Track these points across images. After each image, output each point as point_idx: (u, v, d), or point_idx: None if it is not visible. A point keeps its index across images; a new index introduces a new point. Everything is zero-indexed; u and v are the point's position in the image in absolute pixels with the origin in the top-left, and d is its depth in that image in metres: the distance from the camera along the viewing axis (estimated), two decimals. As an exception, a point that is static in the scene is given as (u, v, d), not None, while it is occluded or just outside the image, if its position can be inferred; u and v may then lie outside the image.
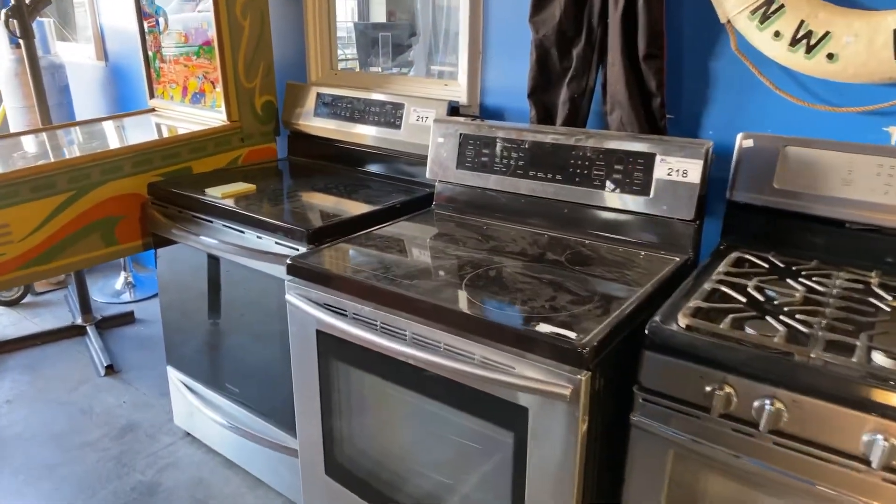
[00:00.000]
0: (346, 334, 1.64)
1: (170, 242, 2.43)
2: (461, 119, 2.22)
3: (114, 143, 2.77)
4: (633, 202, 1.83)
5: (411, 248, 1.88)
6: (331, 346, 1.74)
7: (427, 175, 2.24)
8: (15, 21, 3.01)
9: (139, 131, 2.90)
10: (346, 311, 1.65)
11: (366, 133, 2.60)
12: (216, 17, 2.62)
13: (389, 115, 2.51)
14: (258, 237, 2.06)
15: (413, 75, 3.81)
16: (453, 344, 1.45)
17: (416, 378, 1.55)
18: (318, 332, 1.75)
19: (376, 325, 1.59)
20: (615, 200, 1.86)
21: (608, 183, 1.87)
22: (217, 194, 2.26)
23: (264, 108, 2.90)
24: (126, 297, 4.08)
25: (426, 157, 2.25)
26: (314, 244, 1.90)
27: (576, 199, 1.94)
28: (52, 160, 2.37)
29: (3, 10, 2.98)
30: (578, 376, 1.28)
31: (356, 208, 2.17)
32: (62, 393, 3.05)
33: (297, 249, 1.92)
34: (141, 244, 2.58)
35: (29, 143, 2.80)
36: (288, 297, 1.76)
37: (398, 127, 2.48)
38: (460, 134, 2.15)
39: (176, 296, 2.54)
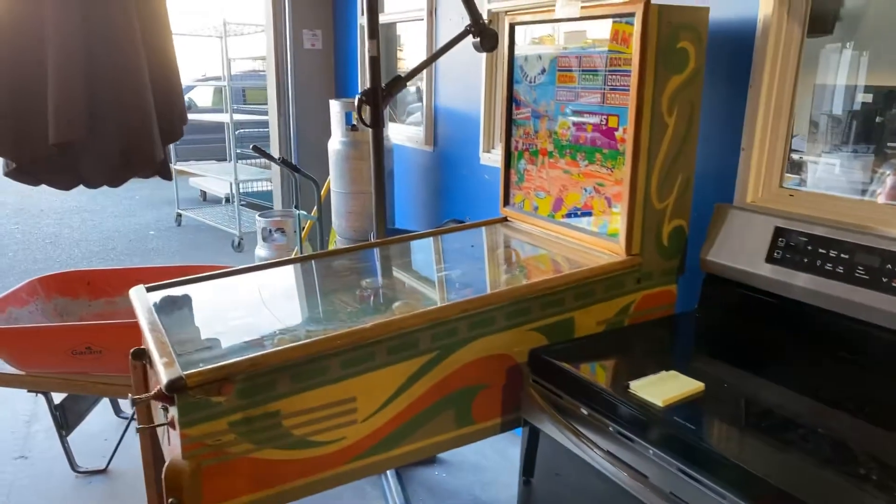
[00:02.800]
0: None
1: (549, 440, 1.63)
2: None
3: (476, 280, 2.10)
4: None
5: None
6: None
7: None
8: (368, 107, 2.61)
9: (493, 257, 2.23)
10: None
11: (866, 302, 1.56)
12: (636, 113, 1.83)
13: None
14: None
15: None
16: None
17: None
18: None
19: None
20: None
21: None
22: (656, 400, 1.39)
23: (672, 236, 2.03)
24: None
25: None
26: None
27: None
28: (411, 308, 1.74)
29: (357, 97, 2.59)
30: None
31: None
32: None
33: None
34: (499, 424, 1.83)
35: (362, 261, 2.28)
36: None
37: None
38: None
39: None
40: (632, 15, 1.81)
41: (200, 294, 1.96)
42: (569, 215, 2.17)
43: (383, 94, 2.60)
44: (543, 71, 2.20)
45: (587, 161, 2.06)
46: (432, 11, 3.49)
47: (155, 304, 1.80)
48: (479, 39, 2.72)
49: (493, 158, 3.17)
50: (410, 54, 4.51)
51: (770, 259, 1.78)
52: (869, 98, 1.98)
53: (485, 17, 2.89)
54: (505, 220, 2.49)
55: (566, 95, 2.11)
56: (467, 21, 3.10)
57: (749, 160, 1.97)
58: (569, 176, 2.15)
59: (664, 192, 1.97)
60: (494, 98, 3.17)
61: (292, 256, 2.23)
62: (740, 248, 1.87)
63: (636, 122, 1.85)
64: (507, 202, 2.47)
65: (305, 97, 4.67)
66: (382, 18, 4.18)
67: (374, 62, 2.56)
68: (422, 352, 1.63)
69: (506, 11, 3.06)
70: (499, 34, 2.78)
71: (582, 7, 1.97)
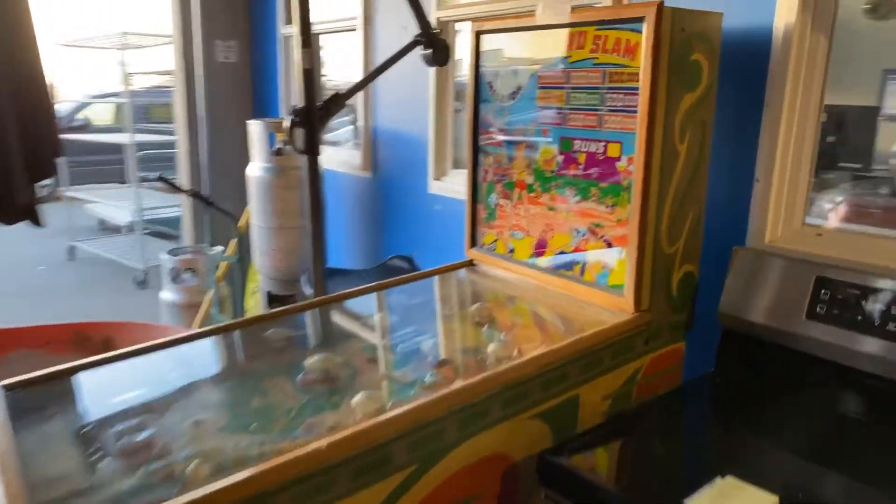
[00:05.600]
0: None
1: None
2: None
3: (451, 349, 1.68)
4: None
5: None
6: None
7: None
8: (301, 131, 2.16)
9: (465, 315, 1.81)
10: None
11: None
12: (646, 139, 1.49)
13: None
14: None
15: None
16: None
17: None
18: None
19: None
20: None
21: None
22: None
23: (682, 285, 1.70)
24: None
25: None
26: None
27: None
28: (375, 402, 1.29)
29: (289, 117, 2.13)
30: None
31: None
32: None
33: None
34: (494, 544, 1.41)
35: (300, 328, 1.81)
36: None
37: None
38: None
39: None
40: (640, 20, 1.47)
41: (84, 384, 1.44)
42: (556, 261, 1.80)
43: (320, 113, 2.16)
44: (519, 89, 1.83)
45: (579, 196, 1.70)
46: (369, 19, 3.07)
47: (12, 411, 1.27)
48: (429, 52, 2.33)
49: (445, 187, 2.78)
50: (337, 69, 4.07)
51: (812, 315, 1.47)
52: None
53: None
54: (472, 263, 2.09)
55: (551, 118, 1.75)
56: (412, 30, 2.71)
57: (767, 193, 1.67)
58: (555, 214, 1.78)
59: (674, 234, 1.63)
60: (445, 118, 2.78)
61: (208, 328, 1.73)
62: (772, 302, 1.55)
63: (647, 151, 1.50)
64: (474, 243, 2.08)
65: (219, 116, 4.12)
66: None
67: (309, 76, 2.12)
68: (396, 468, 1.19)
69: (456, 20, 2.70)
70: (450, 46, 2.40)
71: (572, 11, 1.62)
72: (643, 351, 1.64)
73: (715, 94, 1.62)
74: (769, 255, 1.60)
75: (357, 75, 3.27)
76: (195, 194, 2.77)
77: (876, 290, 1.38)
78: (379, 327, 1.72)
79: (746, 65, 1.68)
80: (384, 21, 3.02)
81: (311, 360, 1.47)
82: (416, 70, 2.49)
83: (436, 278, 2.03)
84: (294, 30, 2.06)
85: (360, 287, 1.89)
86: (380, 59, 3.09)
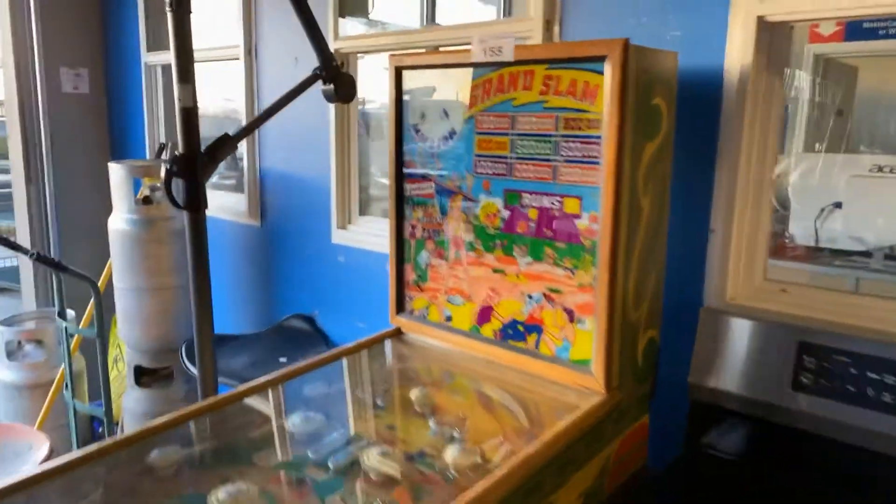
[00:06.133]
0: None
1: None
2: None
3: (397, 458, 1.35)
4: None
5: None
6: None
7: None
8: (182, 182, 1.76)
9: (404, 404, 1.51)
10: None
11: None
12: (614, 194, 1.29)
13: None
14: None
15: None
16: None
17: None
18: None
19: None
20: None
21: None
22: None
23: (646, 353, 1.52)
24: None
25: None
26: None
27: None
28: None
29: (166, 166, 1.73)
30: None
31: None
32: None
33: None
34: None
35: (188, 443, 1.41)
36: None
37: None
38: None
39: None
40: (601, 59, 1.28)
41: None
42: (504, 331, 1.55)
43: (204, 160, 1.78)
44: (452, 133, 1.59)
45: (530, 258, 1.47)
46: (251, 50, 2.71)
47: None
48: (331, 87, 2.03)
49: (351, 237, 2.46)
50: (207, 103, 3.62)
51: (797, 386, 1.34)
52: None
53: (331, 58, 2.21)
54: (399, 332, 1.80)
55: (493, 168, 1.51)
56: (305, 62, 2.42)
57: (727, 245, 1.54)
58: (502, 277, 1.54)
59: (639, 297, 1.45)
60: (349, 158, 2.47)
61: (64, 462, 1.29)
62: (750, 370, 1.40)
63: (615, 208, 1.30)
64: (401, 308, 1.78)
65: (68, 156, 3.50)
66: (168, 58, 3.25)
67: (189, 116, 1.74)
68: None
69: (358, 51, 2.42)
70: (355, 80, 2.12)
71: (517, 47, 1.40)
72: (613, 434, 1.43)
73: (672, 142, 1.48)
74: (740, 317, 1.46)
75: (238, 109, 2.88)
76: (41, 257, 2.23)
77: (867, 357, 1.26)
78: (298, 432, 1.37)
79: (696, 109, 1.56)
80: (269, 51, 2.67)
81: (220, 496, 1.10)
82: (311, 104, 2.16)
83: (361, 354, 1.71)
84: (172, 62, 1.69)
85: (267, 378, 1.53)
86: (265, 91, 2.74)
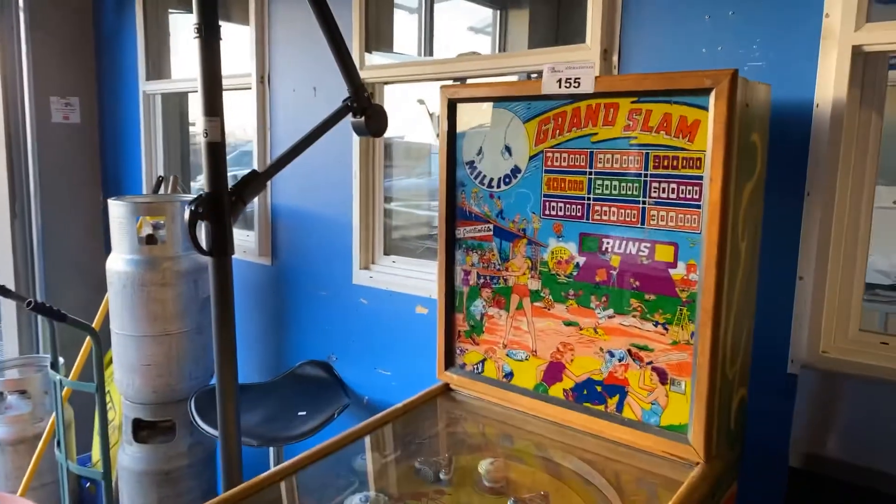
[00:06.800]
0: None
1: None
2: None
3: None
4: None
5: None
6: None
7: None
8: (206, 225, 1.59)
9: (463, 484, 1.33)
10: None
11: None
12: (718, 242, 1.15)
13: None
14: None
15: None
16: None
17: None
18: None
19: None
20: None
21: None
22: None
23: (738, 414, 1.37)
24: None
25: None
26: None
27: None
28: None
29: (189, 208, 1.55)
30: None
31: None
32: None
33: None
34: None
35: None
36: None
37: None
38: None
39: None
40: (706, 93, 1.14)
41: None
42: (578, 392, 1.39)
43: (232, 200, 1.60)
44: (517, 171, 1.44)
45: (612, 310, 1.32)
46: (264, 78, 2.55)
47: None
48: (362, 119, 1.88)
49: (375, 278, 2.28)
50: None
51: (921, 453, 1.19)
52: None
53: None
54: (448, 389, 1.62)
55: (565, 209, 1.37)
56: (322, 91, 2.29)
57: (821, 294, 1.40)
58: (575, 330, 1.38)
59: (735, 353, 1.30)
60: (375, 193, 2.31)
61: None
62: (864, 435, 1.26)
63: (719, 257, 1.16)
64: (450, 363, 1.61)
65: (57, 190, 3.27)
66: (168, 87, 3.09)
67: (216, 151, 1.57)
68: None
69: (390, 81, 2.28)
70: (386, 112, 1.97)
71: (597, 78, 1.27)
72: (711, 509, 1.27)
73: (764, 182, 1.35)
74: (843, 374, 1.32)
75: (235, 139, 2.71)
76: (38, 306, 1.98)
77: None
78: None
79: (783, 146, 1.43)
80: (284, 79, 2.52)
81: None
82: (332, 135, 1.99)
83: (400, 419, 1.53)
84: (199, 92, 1.52)
85: (311, 452, 1.33)
86: (279, 122, 2.58)
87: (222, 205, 1.57)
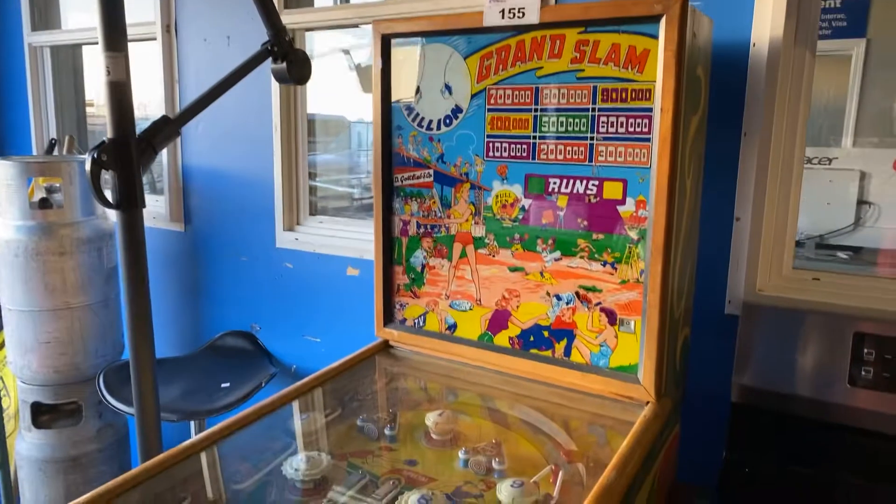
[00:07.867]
0: None
1: None
2: None
3: None
4: None
5: None
6: None
7: None
8: (114, 174, 1.41)
9: (412, 435, 1.26)
10: None
11: None
12: (668, 175, 1.13)
13: None
14: None
15: None
16: None
17: None
18: None
19: None
20: None
21: None
22: None
23: (682, 354, 1.37)
24: None
25: None
26: None
27: None
28: None
29: (91, 155, 1.37)
30: None
31: None
32: None
33: None
34: None
35: None
36: None
37: None
38: None
39: None
40: (656, 20, 1.11)
41: None
42: (525, 338, 1.34)
43: (140, 147, 1.43)
44: (458, 111, 1.36)
45: (559, 252, 1.28)
46: (170, 26, 2.33)
47: None
48: (283, 65, 1.74)
49: (301, 240, 2.15)
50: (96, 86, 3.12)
51: (855, 381, 1.23)
52: None
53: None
54: (387, 346, 1.54)
55: (510, 150, 1.30)
56: (238, 41, 2.13)
57: (758, 235, 1.42)
58: (521, 276, 1.33)
59: (681, 293, 1.29)
60: (297, 149, 2.17)
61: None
62: (801, 367, 1.29)
63: (669, 191, 1.14)
64: (389, 319, 1.53)
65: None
66: (62, 38, 2.79)
67: (121, 92, 1.39)
68: None
69: (313, 27, 2.13)
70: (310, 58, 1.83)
71: (543, 6, 1.20)
72: (659, 449, 1.26)
73: (707, 118, 1.34)
74: (782, 309, 1.34)
75: (155, 93, 2.49)
76: None
77: (934, 346, 1.18)
78: (301, 478, 1.08)
79: (720, 84, 1.43)
80: (191, 28, 2.31)
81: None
82: (245, 87, 1.83)
83: (349, 374, 1.44)
84: (98, 27, 1.34)
85: (239, 416, 1.22)
86: (189, 75, 2.37)
87: (129, 151, 1.41)
